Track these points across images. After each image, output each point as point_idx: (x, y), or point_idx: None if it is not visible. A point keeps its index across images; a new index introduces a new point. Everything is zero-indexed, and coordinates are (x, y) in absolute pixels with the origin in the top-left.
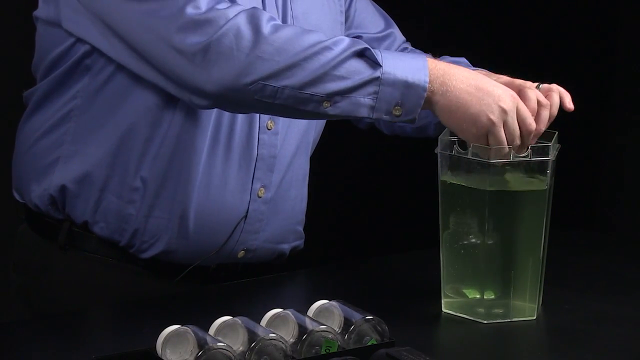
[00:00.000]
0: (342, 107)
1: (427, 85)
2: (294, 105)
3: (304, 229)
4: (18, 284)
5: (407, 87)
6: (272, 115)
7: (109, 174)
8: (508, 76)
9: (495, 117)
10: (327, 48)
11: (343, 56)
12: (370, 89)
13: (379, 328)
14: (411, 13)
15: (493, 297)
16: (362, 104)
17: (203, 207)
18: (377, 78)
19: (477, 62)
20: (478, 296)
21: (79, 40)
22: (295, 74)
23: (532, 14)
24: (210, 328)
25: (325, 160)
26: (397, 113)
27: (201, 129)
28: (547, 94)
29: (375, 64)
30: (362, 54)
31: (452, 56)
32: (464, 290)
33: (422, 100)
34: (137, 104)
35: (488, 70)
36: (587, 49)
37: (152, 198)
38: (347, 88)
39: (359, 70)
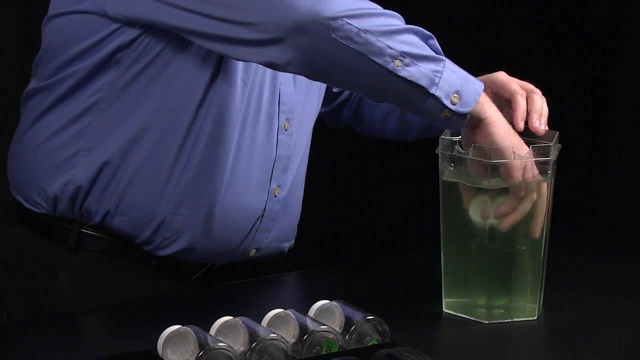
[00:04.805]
0: (410, 72)
1: (482, 88)
2: (366, 53)
3: (304, 228)
4: (19, 288)
5: (466, 79)
6: (335, 69)
7: (138, 168)
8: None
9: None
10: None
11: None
12: (435, 66)
13: (380, 328)
14: (406, 12)
15: (502, 301)
16: (429, 77)
17: (228, 205)
18: (442, 60)
19: (476, 61)
20: (483, 302)
21: (124, 25)
22: (375, 22)
23: (532, 14)
24: (211, 328)
25: (326, 160)
26: (455, 101)
27: (230, 128)
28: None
29: (438, 53)
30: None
31: (450, 56)
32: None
33: (479, 97)
34: (170, 100)
35: (487, 70)
36: (588, 49)
37: (180, 195)
38: (415, 53)
39: (424, 46)
